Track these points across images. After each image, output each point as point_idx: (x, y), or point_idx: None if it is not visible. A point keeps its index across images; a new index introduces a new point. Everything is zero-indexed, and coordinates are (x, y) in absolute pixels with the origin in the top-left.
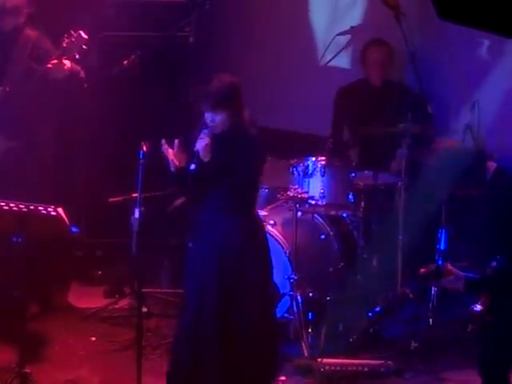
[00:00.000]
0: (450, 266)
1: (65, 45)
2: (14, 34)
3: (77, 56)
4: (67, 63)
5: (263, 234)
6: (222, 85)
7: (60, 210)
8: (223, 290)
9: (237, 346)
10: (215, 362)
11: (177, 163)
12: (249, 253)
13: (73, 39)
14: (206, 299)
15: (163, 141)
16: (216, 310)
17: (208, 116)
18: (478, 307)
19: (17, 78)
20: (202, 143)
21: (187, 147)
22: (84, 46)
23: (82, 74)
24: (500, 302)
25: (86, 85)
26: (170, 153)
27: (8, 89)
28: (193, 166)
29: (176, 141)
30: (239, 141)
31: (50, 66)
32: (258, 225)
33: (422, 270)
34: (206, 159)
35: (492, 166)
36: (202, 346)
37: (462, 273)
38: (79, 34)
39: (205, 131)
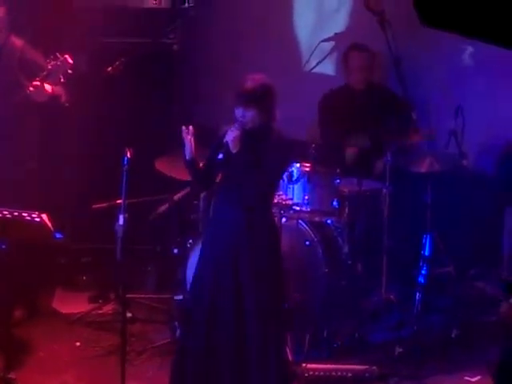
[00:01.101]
0: None
1: (50, 67)
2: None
3: (62, 79)
4: (48, 88)
5: (277, 232)
6: (257, 83)
7: (44, 216)
8: (239, 292)
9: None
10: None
11: (193, 151)
12: (264, 251)
13: (58, 63)
14: (221, 303)
15: (183, 127)
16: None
17: (239, 111)
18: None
19: (3, 89)
20: (231, 135)
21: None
22: (69, 71)
23: (64, 98)
24: None
25: (67, 105)
26: (189, 139)
27: None
28: (220, 156)
29: (191, 127)
30: (268, 139)
31: (31, 89)
32: (273, 223)
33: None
34: (234, 151)
35: None
36: (219, 359)
37: None
38: (65, 57)
39: (236, 124)
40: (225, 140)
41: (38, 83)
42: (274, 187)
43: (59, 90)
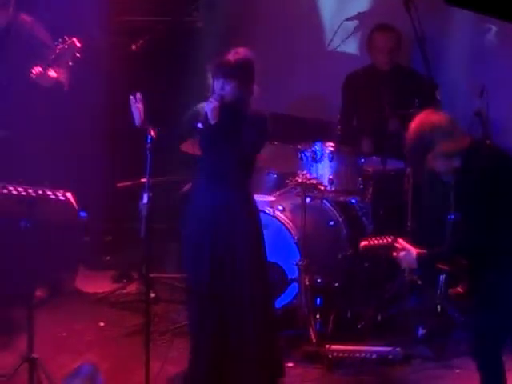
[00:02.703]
0: (401, 242)
1: (58, 50)
2: (6, 24)
3: (70, 63)
4: (53, 74)
5: (256, 209)
6: (238, 56)
7: (69, 194)
8: (215, 263)
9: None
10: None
11: (141, 117)
12: (241, 224)
13: (66, 46)
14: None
15: (131, 96)
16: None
17: (218, 83)
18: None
19: (12, 71)
20: (210, 105)
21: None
22: (77, 54)
23: (66, 87)
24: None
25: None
26: (137, 107)
27: (5, 82)
28: (200, 125)
29: (138, 94)
30: (245, 112)
31: (33, 76)
32: (251, 199)
33: (364, 243)
34: (213, 121)
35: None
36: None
37: (413, 249)
38: (73, 41)
39: (214, 95)
40: (204, 111)
41: (40, 69)
42: (252, 160)
43: (64, 76)
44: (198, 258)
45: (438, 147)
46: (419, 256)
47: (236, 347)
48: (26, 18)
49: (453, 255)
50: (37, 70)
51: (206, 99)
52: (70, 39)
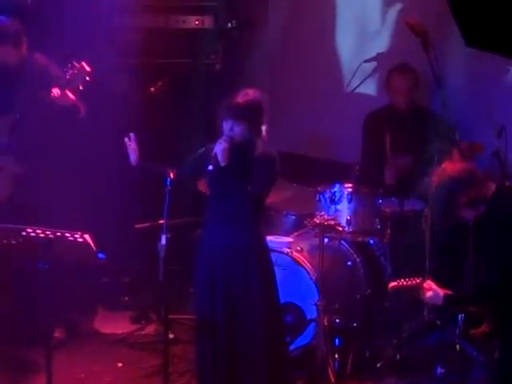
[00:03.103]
0: (429, 282)
1: (68, 76)
2: (19, 62)
3: (80, 87)
4: (71, 96)
5: (266, 248)
6: (248, 98)
7: (87, 236)
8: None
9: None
10: None
11: (135, 158)
12: (253, 263)
13: (76, 71)
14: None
15: (126, 138)
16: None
17: (227, 124)
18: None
19: (26, 104)
20: (220, 147)
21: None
22: (87, 78)
23: (82, 113)
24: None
25: (83, 120)
26: (132, 147)
27: (18, 116)
28: (210, 167)
29: (132, 134)
30: (253, 154)
31: (54, 94)
32: (262, 238)
33: (393, 284)
34: (223, 163)
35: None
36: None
37: (440, 290)
38: (82, 65)
39: (224, 137)
40: (213, 152)
41: (58, 90)
42: (261, 201)
43: (79, 103)
44: (209, 297)
45: (461, 198)
46: (446, 297)
47: None
48: (39, 58)
49: (480, 299)
50: (55, 91)
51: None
52: (79, 64)
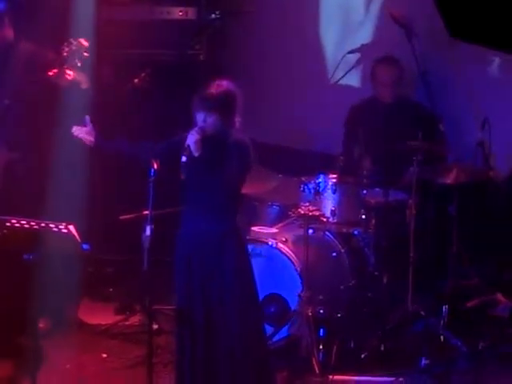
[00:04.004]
0: (500, 296)
1: (65, 54)
2: (6, 49)
3: (79, 64)
4: (70, 73)
5: (242, 237)
6: (220, 89)
7: (71, 227)
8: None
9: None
10: None
11: (92, 139)
12: (226, 256)
13: (73, 47)
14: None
15: (74, 126)
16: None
17: (200, 116)
18: None
19: (17, 91)
20: (192, 138)
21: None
22: (85, 54)
23: (85, 85)
24: None
25: (89, 92)
26: (83, 131)
27: (7, 102)
28: (184, 158)
29: (87, 116)
30: (226, 144)
31: (50, 74)
32: (238, 227)
33: (470, 303)
34: (196, 153)
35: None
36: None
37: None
38: (79, 41)
39: (196, 128)
40: (186, 143)
41: (56, 70)
42: (237, 189)
43: (80, 76)
44: (187, 286)
45: None
46: None
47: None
48: (26, 44)
49: None
50: (53, 71)
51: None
52: (75, 40)
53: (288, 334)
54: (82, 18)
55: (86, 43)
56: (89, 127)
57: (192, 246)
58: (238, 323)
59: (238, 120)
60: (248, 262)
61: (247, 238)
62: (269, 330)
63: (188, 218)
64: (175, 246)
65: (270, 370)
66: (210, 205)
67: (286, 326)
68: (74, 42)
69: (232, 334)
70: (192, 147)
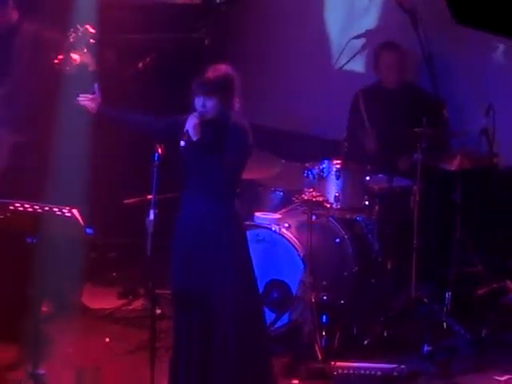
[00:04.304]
0: (510, 284)
1: (72, 40)
2: (10, 31)
3: (85, 50)
4: (76, 57)
5: (240, 224)
6: (218, 73)
7: (75, 211)
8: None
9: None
10: None
11: (94, 106)
12: (224, 240)
13: (79, 33)
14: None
15: (79, 94)
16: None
17: (199, 100)
18: None
19: (21, 74)
20: (191, 123)
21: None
22: (92, 40)
23: (93, 67)
24: None
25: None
26: (89, 98)
27: (12, 86)
28: (182, 143)
29: (95, 84)
30: (226, 127)
31: (56, 61)
32: (235, 213)
33: (480, 291)
34: (194, 138)
35: None
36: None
37: None
38: (86, 27)
39: (195, 113)
40: (185, 128)
41: (61, 56)
42: (236, 175)
43: (87, 58)
44: (186, 269)
45: None
46: None
47: (217, 363)
48: (30, 25)
49: None
50: (59, 57)
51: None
52: (82, 26)
53: (290, 320)
54: (84, 2)
55: (92, 29)
56: (95, 95)
57: (191, 230)
58: (232, 309)
59: (237, 102)
60: (245, 248)
61: (250, 223)
62: (271, 316)
63: (188, 201)
64: (174, 229)
65: (267, 358)
66: (209, 189)
67: (288, 312)
68: (81, 28)
69: (226, 320)
70: (191, 132)
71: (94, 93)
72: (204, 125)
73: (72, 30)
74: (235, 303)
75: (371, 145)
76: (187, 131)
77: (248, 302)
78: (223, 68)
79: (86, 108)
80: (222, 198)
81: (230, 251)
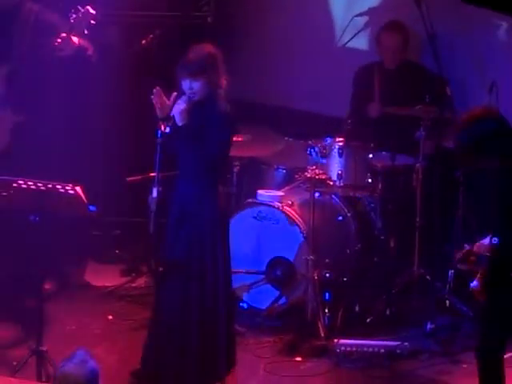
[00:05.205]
0: (475, 248)
1: (72, 20)
2: (13, 9)
3: (85, 31)
4: (75, 39)
5: (219, 209)
6: (202, 53)
7: (78, 188)
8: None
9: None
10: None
11: (164, 113)
12: (204, 222)
13: (80, 15)
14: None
15: (158, 88)
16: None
17: (186, 83)
18: (475, 283)
19: (22, 54)
20: (178, 108)
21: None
22: (92, 21)
23: (91, 51)
24: (496, 280)
25: (93, 60)
26: (161, 102)
27: (15, 65)
28: (168, 130)
29: (174, 94)
30: (215, 107)
31: (58, 41)
32: (216, 200)
33: (457, 256)
34: (180, 123)
35: None
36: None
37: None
38: (87, 9)
39: (183, 97)
40: (172, 113)
41: (64, 35)
42: (218, 161)
43: (86, 42)
44: (172, 240)
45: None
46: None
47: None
48: (33, 5)
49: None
50: (61, 36)
51: None
52: (83, 8)
53: (294, 298)
54: None
55: (93, 11)
56: (170, 102)
57: (178, 210)
58: (211, 283)
59: (224, 79)
60: (222, 232)
61: (253, 201)
62: (274, 293)
63: (177, 181)
64: (168, 208)
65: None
66: (193, 171)
67: (292, 290)
68: (82, 10)
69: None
70: (177, 117)
71: (169, 99)
72: (191, 108)
73: (73, 11)
74: (199, 286)
75: (376, 112)
76: (173, 116)
77: (210, 286)
78: (206, 47)
79: (154, 107)
80: (200, 184)
81: (207, 233)
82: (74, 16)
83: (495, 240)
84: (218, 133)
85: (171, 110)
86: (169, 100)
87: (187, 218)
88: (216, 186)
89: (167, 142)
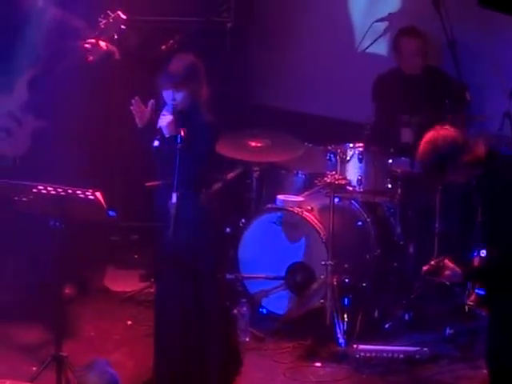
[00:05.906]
0: (447, 261)
1: (102, 26)
2: (36, 16)
3: (115, 36)
4: (103, 45)
5: (214, 213)
6: (185, 64)
7: (98, 193)
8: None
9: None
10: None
11: (143, 121)
12: (200, 228)
13: (111, 20)
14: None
15: (136, 98)
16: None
17: (168, 94)
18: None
19: (47, 59)
20: (164, 120)
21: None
22: (122, 26)
23: (117, 56)
24: (498, 294)
25: (119, 64)
26: (142, 111)
27: (38, 71)
28: (156, 143)
29: (151, 101)
30: (197, 117)
31: (87, 45)
32: (205, 201)
33: (425, 267)
34: (168, 135)
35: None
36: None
37: (457, 268)
38: (117, 14)
39: (167, 108)
40: (158, 126)
41: (93, 40)
42: (200, 170)
43: (113, 47)
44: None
45: (458, 160)
46: (465, 273)
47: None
48: (56, 11)
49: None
50: (90, 41)
51: None
52: (113, 13)
53: (312, 303)
54: None
55: (124, 16)
56: (148, 110)
57: (166, 217)
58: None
59: (205, 91)
60: (211, 235)
61: (273, 206)
62: (294, 298)
63: (162, 189)
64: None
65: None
66: (180, 178)
67: (311, 295)
68: (112, 15)
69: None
70: (164, 130)
71: (146, 107)
72: (176, 118)
73: (102, 15)
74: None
75: (409, 138)
76: (160, 129)
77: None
78: (187, 57)
79: (134, 116)
80: (185, 192)
81: (197, 235)
82: (104, 21)
83: (483, 253)
84: (205, 143)
85: (152, 119)
86: (146, 107)
87: (175, 224)
88: (200, 190)
89: (157, 155)
